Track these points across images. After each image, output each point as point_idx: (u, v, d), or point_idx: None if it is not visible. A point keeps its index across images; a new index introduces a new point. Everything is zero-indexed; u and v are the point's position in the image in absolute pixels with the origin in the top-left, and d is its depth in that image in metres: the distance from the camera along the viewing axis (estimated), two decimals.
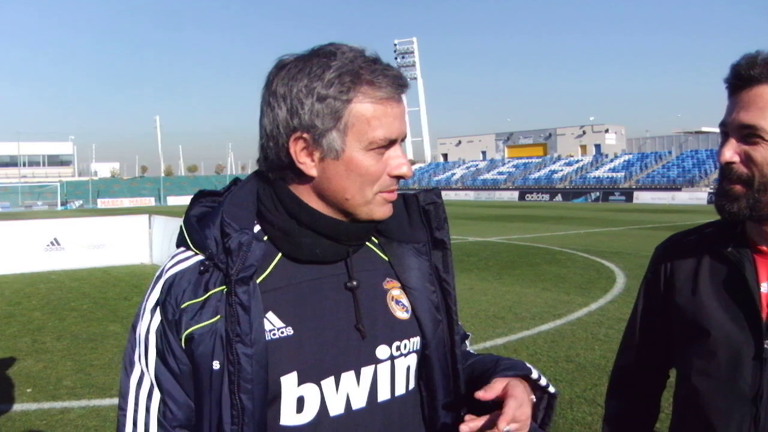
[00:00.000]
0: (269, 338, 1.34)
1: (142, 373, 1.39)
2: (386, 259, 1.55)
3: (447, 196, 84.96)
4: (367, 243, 1.54)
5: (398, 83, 1.37)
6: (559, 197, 71.43)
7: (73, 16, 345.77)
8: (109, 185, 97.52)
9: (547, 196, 72.65)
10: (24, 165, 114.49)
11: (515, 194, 76.48)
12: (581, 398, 6.49)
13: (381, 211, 1.44)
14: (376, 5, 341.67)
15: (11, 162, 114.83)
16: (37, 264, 17.00)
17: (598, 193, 68.45)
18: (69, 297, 13.12)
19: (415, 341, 1.51)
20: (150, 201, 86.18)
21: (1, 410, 6.53)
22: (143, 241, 18.55)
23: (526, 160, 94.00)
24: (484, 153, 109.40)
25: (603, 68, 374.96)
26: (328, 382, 1.40)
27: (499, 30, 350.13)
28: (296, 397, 1.37)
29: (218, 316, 1.32)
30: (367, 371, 1.44)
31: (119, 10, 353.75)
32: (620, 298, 11.57)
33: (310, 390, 1.38)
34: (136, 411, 1.38)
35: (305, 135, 1.35)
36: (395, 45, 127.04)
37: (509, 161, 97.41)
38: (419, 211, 1.58)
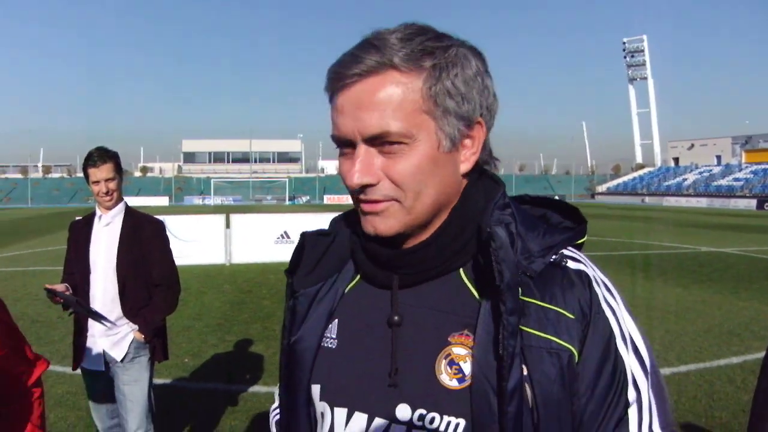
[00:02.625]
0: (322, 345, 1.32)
1: None
2: (479, 300, 1.17)
3: (678, 202, 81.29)
4: (463, 274, 1.22)
5: (333, 71, 1.15)
6: None
7: (303, 19, 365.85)
8: (335, 182, 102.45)
9: None
10: (255, 161, 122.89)
11: (752, 202, 71.65)
12: None
13: (363, 224, 1.21)
14: (604, 0, 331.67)
15: (243, 158, 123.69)
16: (268, 255, 18.18)
17: None
18: None
19: (457, 423, 1.13)
20: None
21: (233, 390, 7.01)
22: None
23: (766, 166, 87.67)
24: (718, 157, 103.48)
25: None
26: (340, 412, 1.25)
27: (735, 24, 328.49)
28: (320, 411, 1.30)
29: None
30: (378, 424, 1.20)
31: (347, 16, 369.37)
32: None
33: (325, 408, 1.28)
34: None
35: None
36: (624, 43, 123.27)
37: (747, 167, 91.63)
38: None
